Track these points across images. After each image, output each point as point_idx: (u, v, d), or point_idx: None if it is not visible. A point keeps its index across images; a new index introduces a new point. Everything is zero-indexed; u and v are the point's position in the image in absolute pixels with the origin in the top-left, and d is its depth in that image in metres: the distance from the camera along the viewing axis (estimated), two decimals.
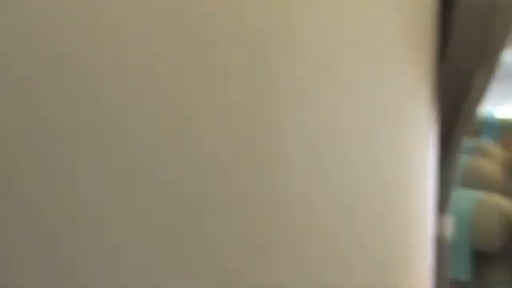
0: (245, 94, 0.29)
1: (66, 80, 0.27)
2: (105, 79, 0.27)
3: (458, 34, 0.43)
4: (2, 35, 0.26)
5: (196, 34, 0.28)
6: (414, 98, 0.36)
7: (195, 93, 0.28)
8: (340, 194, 0.31)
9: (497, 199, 2.09)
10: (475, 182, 2.93)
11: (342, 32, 0.31)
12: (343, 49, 0.31)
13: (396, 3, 0.34)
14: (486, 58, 0.45)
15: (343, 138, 0.31)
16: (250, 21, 0.29)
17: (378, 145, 0.33)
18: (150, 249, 0.27)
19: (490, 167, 3.16)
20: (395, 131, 0.34)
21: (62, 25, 0.27)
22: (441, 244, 0.47)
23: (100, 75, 0.27)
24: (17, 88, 0.27)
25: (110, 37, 0.27)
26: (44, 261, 0.27)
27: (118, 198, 0.27)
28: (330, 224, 0.31)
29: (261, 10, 0.29)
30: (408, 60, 0.35)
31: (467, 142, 2.80)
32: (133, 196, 0.27)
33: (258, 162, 0.28)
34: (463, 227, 2.06)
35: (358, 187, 0.32)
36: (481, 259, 2.09)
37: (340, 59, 0.31)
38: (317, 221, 0.30)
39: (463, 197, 2.09)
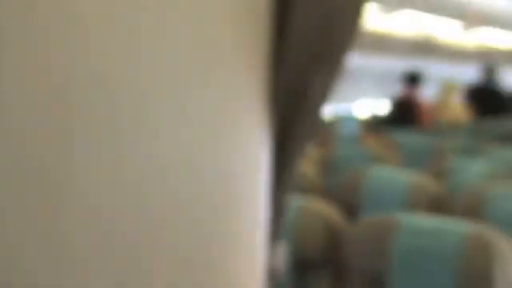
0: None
1: None
2: None
3: (295, 35, 0.42)
4: None
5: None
6: (247, 105, 0.35)
7: None
8: (149, 213, 0.29)
9: (319, 206, 2.06)
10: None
11: (171, 27, 0.30)
12: (171, 46, 0.30)
13: (228, 3, 0.33)
14: (325, 60, 0.44)
15: (159, 144, 0.30)
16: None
17: (203, 152, 0.31)
18: None
19: (305, 167, 3.16)
20: (222, 140, 0.33)
21: None
22: (274, 273, 0.45)
23: None
24: None
25: None
26: None
27: None
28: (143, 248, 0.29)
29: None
30: (240, 61, 0.34)
31: None
32: None
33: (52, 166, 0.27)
34: (285, 234, 2.02)
35: (175, 205, 0.30)
36: (302, 267, 2.05)
37: (163, 56, 0.30)
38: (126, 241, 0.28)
39: None
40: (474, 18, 8.94)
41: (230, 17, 0.33)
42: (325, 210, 2.06)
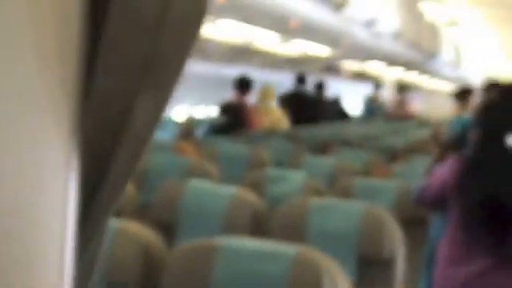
0: None
1: None
2: None
3: (108, 55, 0.37)
4: None
5: None
6: (45, 152, 0.32)
7: None
8: None
9: (135, 227, 1.91)
10: None
11: None
12: None
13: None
14: (149, 83, 0.38)
15: None
16: None
17: None
18: None
19: None
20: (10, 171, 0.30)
21: None
22: None
23: None
24: None
25: None
26: None
27: None
28: None
29: None
30: (34, 99, 0.31)
31: None
32: None
33: None
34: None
35: None
36: None
37: None
38: None
39: None
40: (292, 30, 9.14)
41: (31, 34, 0.31)
42: (141, 231, 1.91)
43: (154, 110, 0.40)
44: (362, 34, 11.95)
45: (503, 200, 2.57)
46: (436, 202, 2.79)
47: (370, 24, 12.39)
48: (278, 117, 7.10)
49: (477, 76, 28.27)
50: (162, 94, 0.40)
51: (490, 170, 2.63)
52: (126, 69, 0.38)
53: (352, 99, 12.73)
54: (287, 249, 1.71)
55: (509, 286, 2.56)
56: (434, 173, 2.87)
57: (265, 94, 7.07)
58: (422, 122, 10.71)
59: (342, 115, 9.72)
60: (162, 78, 0.40)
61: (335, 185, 3.43)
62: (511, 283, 2.57)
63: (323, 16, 9.92)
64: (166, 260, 1.82)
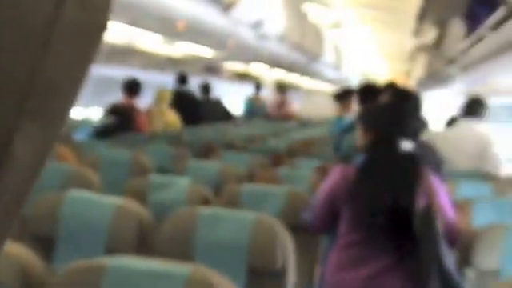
0: None
1: None
2: None
3: None
4: None
5: None
6: None
7: None
8: None
9: (12, 246, 1.76)
10: None
11: None
12: None
13: None
14: (32, 109, 0.32)
15: None
16: None
17: None
18: None
19: None
20: None
21: None
22: None
23: None
24: None
25: None
26: None
27: None
28: None
29: None
30: None
31: None
32: None
33: None
34: None
35: None
36: None
37: None
38: None
39: None
40: (179, 32, 9.04)
41: None
42: (18, 251, 1.77)
43: (43, 142, 0.34)
44: (247, 36, 11.94)
45: (398, 202, 2.55)
46: (327, 212, 2.74)
47: (256, 26, 12.40)
48: (172, 119, 7.02)
49: (356, 77, 28.97)
50: (52, 123, 0.34)
51: (383, 172, 2.61)
52: (2, 93, 0.31)
53: (233, 100, 12.72)
54: (180, 269, 1.60)
55: (402, 287, 2.55)
56: (320, 188, 2.85)
57: (160, 96, 6.98)
58: (303, 123, 10.79)
59: (225, 116, 9.67)
60: (50, 105, 0.33)
61: (221, 191, 3.34)
62: (404, 285, 2.55)
63: (211, 17, 9.85)
64: (47, 281, 1.69)
